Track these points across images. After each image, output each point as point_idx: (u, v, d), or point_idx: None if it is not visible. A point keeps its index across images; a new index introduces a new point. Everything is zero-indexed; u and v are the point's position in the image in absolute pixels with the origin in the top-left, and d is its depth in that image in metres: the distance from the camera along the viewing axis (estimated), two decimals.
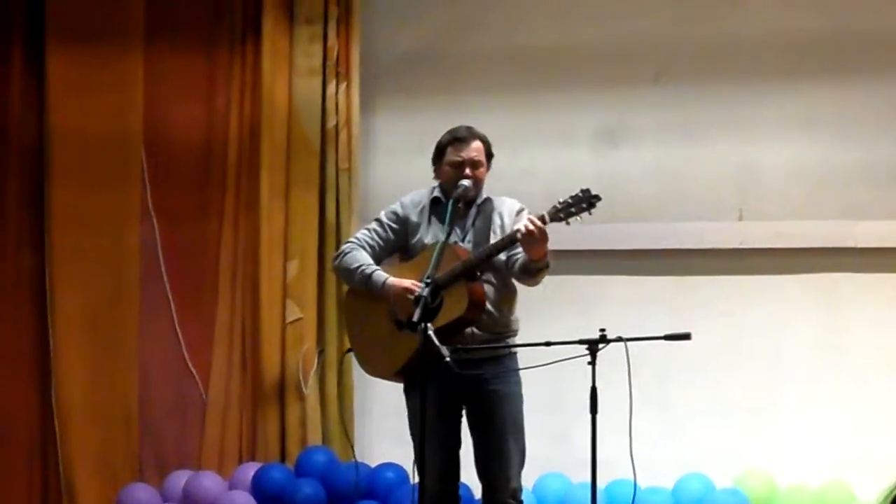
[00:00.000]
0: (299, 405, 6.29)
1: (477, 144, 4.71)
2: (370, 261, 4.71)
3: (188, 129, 6.55)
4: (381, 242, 4.78)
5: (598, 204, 4.41)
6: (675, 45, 6.33)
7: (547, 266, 4.52)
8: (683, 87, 6.32)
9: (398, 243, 4.79)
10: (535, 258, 4.46)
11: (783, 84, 6.24)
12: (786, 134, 6.25)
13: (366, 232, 4.82)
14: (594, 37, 6.38)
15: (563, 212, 4.41)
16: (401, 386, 4.72)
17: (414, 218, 4.76)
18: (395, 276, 4.63)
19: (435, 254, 4.40)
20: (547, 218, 4.41)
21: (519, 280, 4.65)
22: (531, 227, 4.37)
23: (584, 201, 4.40)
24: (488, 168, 4.75)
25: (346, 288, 5.04)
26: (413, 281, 4.52)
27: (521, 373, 4.66)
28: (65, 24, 6.47)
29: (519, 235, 4.40)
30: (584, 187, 4.43)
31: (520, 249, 4.51)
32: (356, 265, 4.71)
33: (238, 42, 6.52)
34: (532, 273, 4.54)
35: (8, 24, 6.57)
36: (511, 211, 4.73)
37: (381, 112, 6.60)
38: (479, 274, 4.56)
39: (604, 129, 6.37)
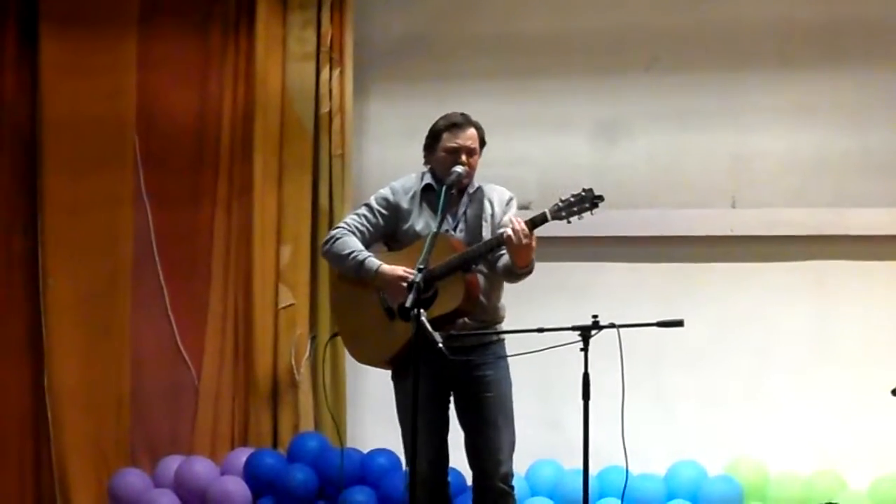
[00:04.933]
0: (291, 391, 6.29)
1: (472, 132, 4.68)
2: (361, 247, 4.66)
3: (181, 114, 6.54)
4: (370, 228, 4.72)
5: (593, 190, 4.40)
6: (669, 32, 6.33)
7: (529, 273, 4.49)
8: (677, 75, 6.32)
9: (388, 229, 4.74)
10: (519, 265, 4.44)
11: (776, 72, 6.25)
12: (779, 122, 6.26)
13: (355, 217, 4.76)
14: (588, 24, 6.38)
15: (566, 210, 4.39)
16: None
17: (405, 205, 4.72)
18: (387, 264, 4.62)
19: (427, 242, 4.38)
20: (549, 216, 4.39)
21: (501, 276, 4.65)
22: (516, 227, 4.34)
23: (587, 201, 4.37)
24: (479, 156, 4.75)
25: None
26: (406, 268, 4.50)
27: (514, 359, 4.64)
28: (58, 7, 6.46)
29: (505, 238, 4.39)
30: (587, 186, 4.39)
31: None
32: (347, 251, 4.66)
33: (232, 27, 6.51)
34: (514, 276, 4.53)
35: (1, 8, 6.54)
36: (501, 200, 4.69)
37: (374, 98, 6.59)
38: (473, 266, 4.55)
39: (598, 117, 6.37)
